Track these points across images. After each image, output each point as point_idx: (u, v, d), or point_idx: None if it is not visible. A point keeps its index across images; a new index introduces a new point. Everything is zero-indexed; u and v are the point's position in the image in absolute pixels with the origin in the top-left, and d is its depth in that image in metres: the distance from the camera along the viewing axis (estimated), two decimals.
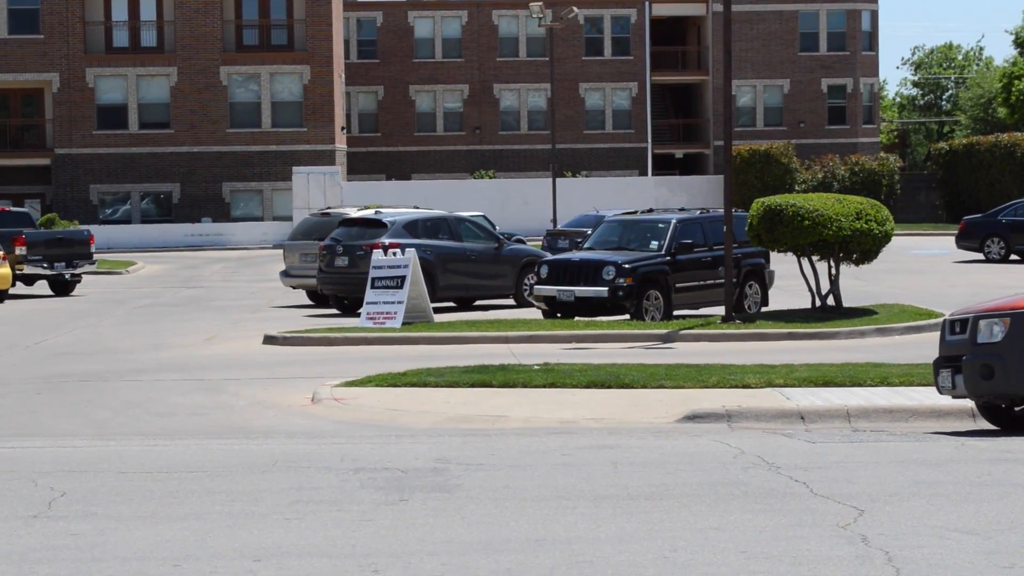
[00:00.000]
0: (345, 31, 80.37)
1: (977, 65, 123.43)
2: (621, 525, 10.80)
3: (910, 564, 9.60)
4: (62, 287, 41.47)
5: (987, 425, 17.00)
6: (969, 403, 17.24)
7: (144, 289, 43.13)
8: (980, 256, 50.70)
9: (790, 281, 33.41)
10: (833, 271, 29.94)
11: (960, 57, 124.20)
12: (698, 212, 33.51)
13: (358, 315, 30.29)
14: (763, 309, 31.98)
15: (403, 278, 29.19)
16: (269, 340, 27.40)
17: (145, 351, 26.52)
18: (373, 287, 29.34)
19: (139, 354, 25.98)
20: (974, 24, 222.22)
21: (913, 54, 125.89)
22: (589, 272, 30.05)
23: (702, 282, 31.41)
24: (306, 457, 13.98)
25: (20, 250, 40.49)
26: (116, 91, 71.09)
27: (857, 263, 30.08)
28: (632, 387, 19.27)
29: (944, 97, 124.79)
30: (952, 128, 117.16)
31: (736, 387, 19.04)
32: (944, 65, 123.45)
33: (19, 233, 40.98)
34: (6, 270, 38.07)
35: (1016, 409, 16.92)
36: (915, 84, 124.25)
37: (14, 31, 70.16)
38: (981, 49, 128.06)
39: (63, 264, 40.86)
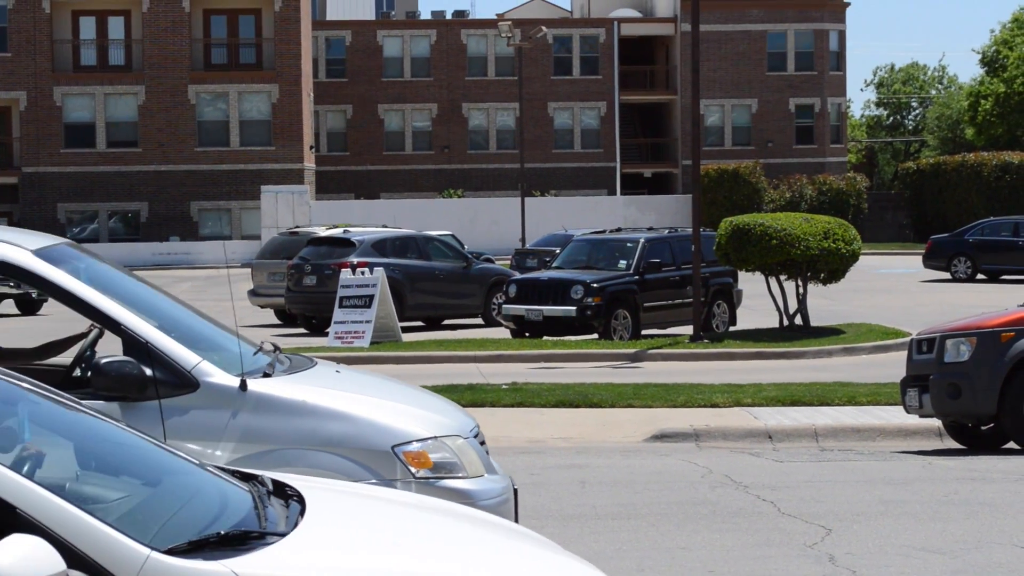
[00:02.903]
0: (314, 50, 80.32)
1: (941, 84, 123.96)
2: (589, 544, 10.80)
3: None
4: (28, 306, 41.31)
5: (954, 444, 17.06)
6: (936, 422, 17.30)
7: None
8: (947, 275, 50.87)
9: (758, 300, 33.47)
10: (801, 290, 30.00)
11: (924, 77, 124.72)
12: (666, 231, 33.57)
13: (326, 334, 30.23)
14: (731, 328, 32.04)
15: (371, 297, 29.16)
16: None
17: None
18: (341, 306, 29.30)
19: None
20: (937, 43, 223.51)
21: (874, 75, 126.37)
22: (557, 291, 30.06)
23: (670, 301, 31.45)
24: None
25: None
26: (84, 109, 70.90)
27: (825, 282, 30.15)
28: (600, 406, 19.27)
29: (909, 117, 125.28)
30: (919, 148, 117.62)
31: (704, 406, 19.07)
32: (908, 83, 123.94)
33: None
34: None
35: (983, 428, 16.98)
36: (879, 104, 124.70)
37: None
38: (944, 68, 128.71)
39: None
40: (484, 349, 27.83)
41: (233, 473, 6.00)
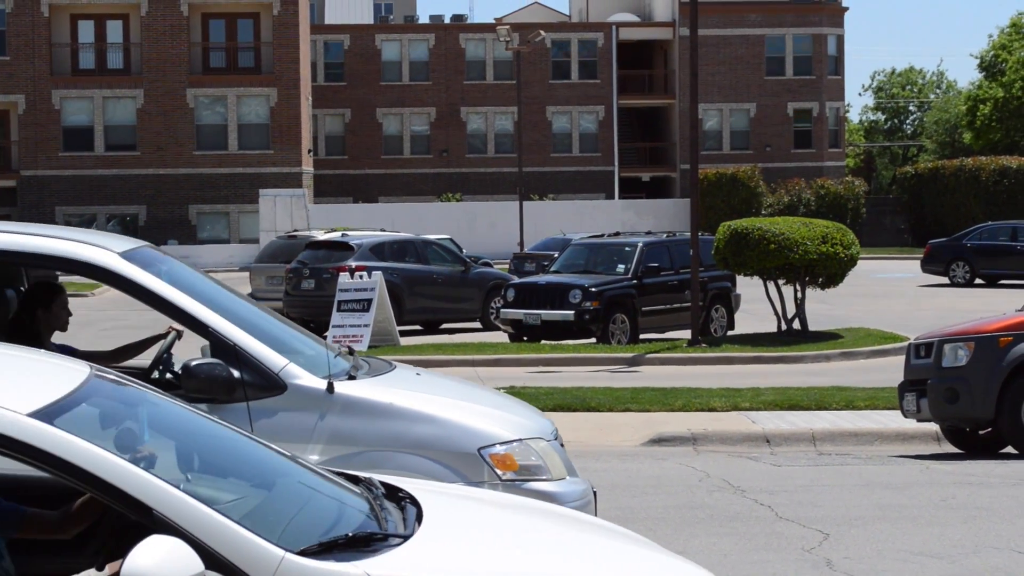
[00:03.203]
0: (312, 54, 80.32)
1: (939, 89, 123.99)
2: None
3: None
4: None
5: (952, 449, 17.06)
6: (934, 427, 17.30)
7: (110, 312, 42.90)
8: (945, 280, 50.88)
9: (756, 305, 33.47)
10: (799, 295, 30.00)
11: (922, 81, 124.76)
12: (664, 235, 33.57)
13: (324, 338, 30.21)
14: (729, 333, 32.03)
15: (369, 301, 29.15)
16: None
17: None
18: (339, 310, 29.29)
19: None
20: (935, 48, 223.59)
21: (872, 80, 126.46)
22: (556, 295, 30.06)
23: (668, 305, 31.45)
24: None
25: None
26: (82, 113, 70.87)
27: (823, 287, 30.16)
28: (598, 410, 19.27)
29: (907, 121, 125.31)
30: (917, 152, 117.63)
31: (702, 410, 19.07)
32: (906, 88, 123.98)
33: None
34: None
35: (980, 433, 16.99)
36: (877, 108, 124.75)
37: None
38: (942, 73, 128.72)
39: None
40: (482, 353, 27.83)
41: (342, 475, 6.03)
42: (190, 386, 7.95)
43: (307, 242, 36.42)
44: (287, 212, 66.08)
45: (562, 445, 8.90)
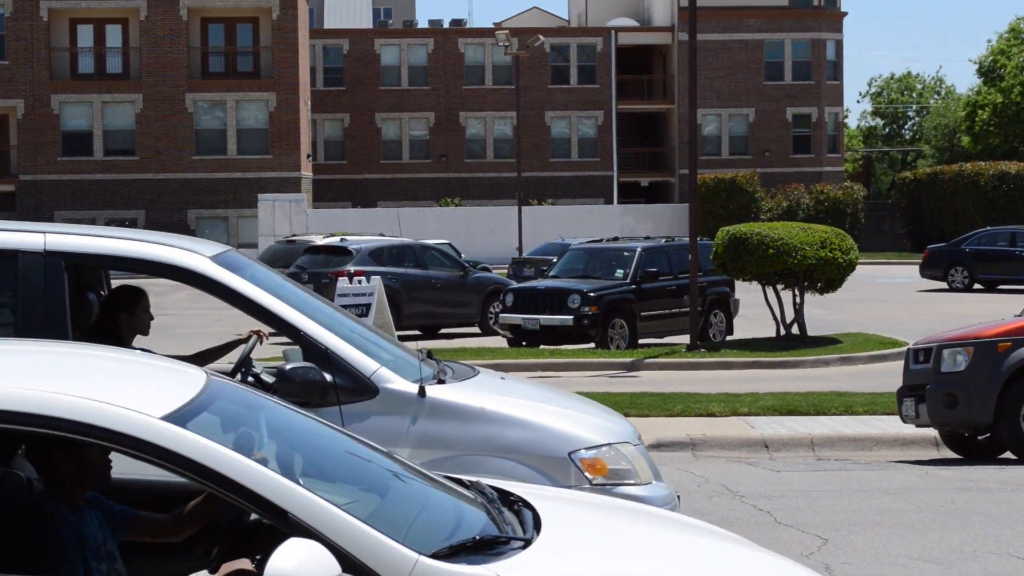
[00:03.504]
0: (311, 58, 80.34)
1: (938, 94, 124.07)
2: None
3: None
4: None
5: (951, 454, 17.05)
6: (933, 432, 17.29)
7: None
8: (944, 285, 50.88)
9: (755, 310, 33.47)
10: (798, 300, 30.00)
11: (920, 86, 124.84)
12: (663, 240, 33.58)
13: None
14: (728, 338, 32.03)
15: (368, 306, 29.11)
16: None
17: None
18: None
19: None
20: (934, 53, 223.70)
21: (870, 86, 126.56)
22: (554, 300, 30.06)
23: (667, 310, 31.44)
24: None
25: None
26: (81, 117, 70.88)
27: (822, 292, 30.15)
28: None
29: (906, 127, 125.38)
30: (916, 158, 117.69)
31: (701, 415, 19.06)
32: (904, 94, 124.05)
33: None
34: None
35: (979, 438, 16.98)
36: (875, 114, 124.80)
37: None
38: (941, 79, 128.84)
39: None
40: (481, 358, 27.81)
41: (450, 479, 6.04)
42: (285, 390, 7.94)
43: (306, 247, 36.41)
44: (286, 217, 66.08)
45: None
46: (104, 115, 70.94)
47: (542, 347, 29.79)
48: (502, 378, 9.33)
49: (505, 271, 47.69)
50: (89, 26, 71.36)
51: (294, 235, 49.31)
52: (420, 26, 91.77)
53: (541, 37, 63.48)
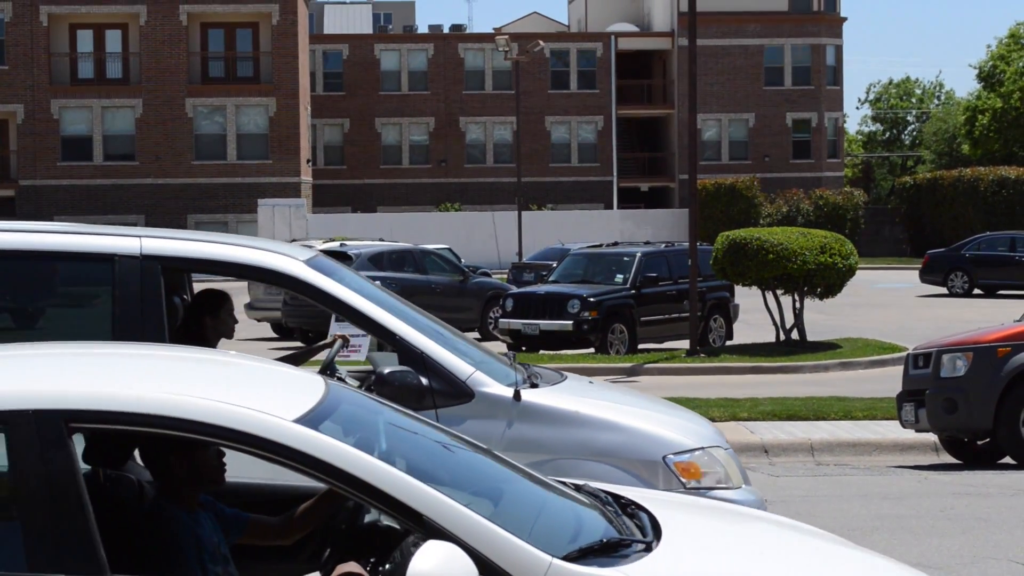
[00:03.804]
0: (311, 63, 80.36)
1: (937, 100, 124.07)
2: None
3: None
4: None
5: (950, 459, 17.04)
6: (932, 437, 17.29)
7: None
8: (944, 290, 50.86)
9: (755, 315, 33.46)
10: (797, 305, 29.99)
11: (919, 91, 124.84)
12: (663, 245, 33.56)
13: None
14: (728, 343, 32.02)
15: None
16: None
17: None
18: (337, 320, 29.23)
19: None
20: (934, 58, 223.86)
21: (868, 92, 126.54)
22: (554, 305, 30.04)
23: (667, 315, 31.43)
24: None
25: None
26: (81, 123, 70.89)
27: (821, 297, 30.14)
28: None
29: (905, 132, 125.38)
30: (915, 163, 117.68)
31: None
32: (903, 99, 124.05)
33: None
34: None
35: (979, 443, 16.98)
36: (875, 119, 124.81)
37: None
38: (940, 84, 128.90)
39: None
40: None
41: (561, 483, 6.04)
42: (383, 393, 7.93)
43: None
44: (286, 222, 66.08)
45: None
46: (104, 120, 70.95)
47: (542, 352, 29.78)
48: (590, 382, 9.39)
49: (505, 276, 47.69)
50: (89, 31, 71.38)
51: (294, 240, 49.30)
52: (420, 31, 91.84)
53: (541, 42, 63.49)
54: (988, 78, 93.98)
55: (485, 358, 8.77)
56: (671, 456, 8.25)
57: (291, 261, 8.47)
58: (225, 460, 5.52)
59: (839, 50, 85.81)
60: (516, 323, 30.22)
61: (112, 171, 70.72)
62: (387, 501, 4.93)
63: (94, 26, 71.33)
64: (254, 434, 4.97)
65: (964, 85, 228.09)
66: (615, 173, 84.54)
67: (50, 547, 4.84)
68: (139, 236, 8.45)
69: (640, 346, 30.71)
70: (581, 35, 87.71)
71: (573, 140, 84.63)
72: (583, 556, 4.99)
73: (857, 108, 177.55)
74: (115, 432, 5.33)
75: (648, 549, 5.19)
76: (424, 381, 8.17)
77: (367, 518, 5.69)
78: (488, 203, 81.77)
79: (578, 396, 8.59)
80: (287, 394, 5.42)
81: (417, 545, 5.07)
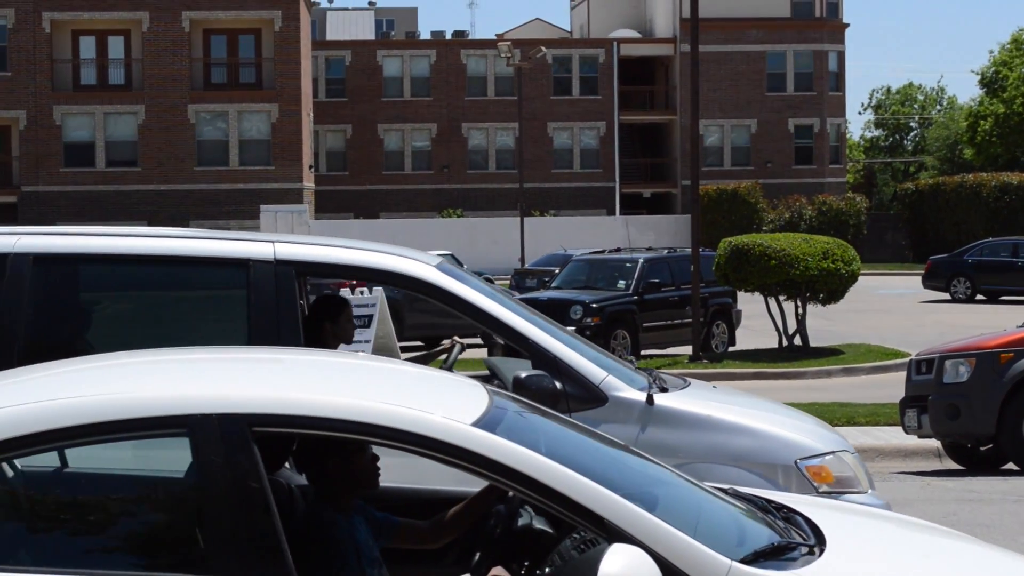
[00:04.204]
0: (314, 69, 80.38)
1: (940, 106, 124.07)
2: None
3: None
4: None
5: (953, 465, 17.03)
6: (935, 443, 17.27)
7: None
8: (946, 296, 50.84)
9: (757, 320, 33.45)
10: (800, 311, 29.99)
11: (921, 97, 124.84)
12: (665, 251, 33.59)
13: None
14: (730, 348, 32.01)
15: (370, 317, 29.06)
16: None
17: None
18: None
19: None
20: (936, 64, 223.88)
21: (871, 97, 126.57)
22: (557, 311, 30.01)
23: (669, 321, 31.43)
24: None
25: None
26: (83, 129, 70.89)
27: (824, 303, 30.14)
28: None
29: (908, 137, 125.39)
30: (918, 169, 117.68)
31: None
32: (905, 104, 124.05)
33: None
34: None
35: (982, 449, 16.96)
36: (877, 124, 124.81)
37: None
38: (942, 90, 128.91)
39: None
40: (483, 369, 27.77)
41: (712, 487, 6.05)
42: (519, 397, 7.99)
43: None
44: (288, 228, 66.05)
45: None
46: (106, 126, 70.95)
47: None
48: (713, 387, 9.44)
49: (507, 282, 47.67)
50: (91, 37, 71.39)
51: None
52: (422, 37, 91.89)
53: (543, 48, 63.54)
54: (990, 84, 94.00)
55: (613, 363, 8.76)
56: (803, 460, 8.23)
57: (423, 266, 8.51)
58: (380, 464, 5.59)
59: (841, 56, 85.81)
60: None
61: (114, 177, 70.72)
62: (567, 504, 4.95)
63: (97, 32, 71.35)
64: (437, 438, 5.01)
65: (966, 91, 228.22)
66: (617, 179, 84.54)
67: (237, 551, 4.87)
68: (272, 241, 8.49)
69: (643, 352, 30.71)
70: (583, 41, 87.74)
71: (575, 146, 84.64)
72: (756, 560, 5.00)
73: (860, 113, 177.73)
74: (291, 436, 5.37)
75: (812, 552, 5.19)
76: (558, 385, 8.16)
77: (520, 522, 5.70)
78: (490, 209, 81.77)
79: (707, 400, 8.62)
80: (457, 399, 5.47)
81: (579, 549, 5.16)
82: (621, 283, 31.32)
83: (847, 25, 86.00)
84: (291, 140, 71.24)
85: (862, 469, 8.54)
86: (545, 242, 64.24)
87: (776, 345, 30.42)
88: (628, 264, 31.86)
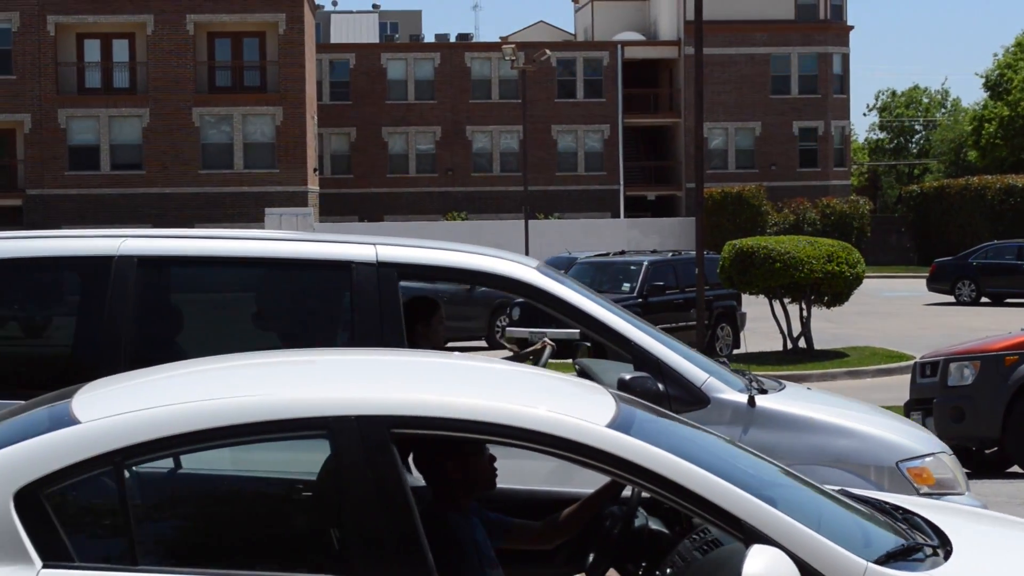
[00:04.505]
0: (318, 73, 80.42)
1: (944, 108, 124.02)
2: None
3: None
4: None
5: None
6: None
7: None
8: (951, 298, 50.82)
9: (762, 323, 33.44)
10: (805, 313, 29.98)
11: (926, 100, 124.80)
12: (670, 254, 33.59)
13: None
14: (735, 351, 32.01)
15: None
16: None
17: None
18: None
19: None
20: (940, 66, 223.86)
21: (877, 99, 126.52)
22: None
23: (674, 324, 31.41)
24: None
25: None
26: (88, 132, 70.93)
27: (828, 305, 30.13)
28: None
29: (912, 140, 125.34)
30: (922, 171, 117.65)
31: None
32: (910, 107, 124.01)
33: None
34: None
35: (986, 452, 16.95)
36: (882, 127, 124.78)
37: None
38: (947, 92, 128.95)
39: None
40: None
41: (828, 488, 6.05)
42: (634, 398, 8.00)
43: None
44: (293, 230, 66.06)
45: None
46: (111, 129, 70.99)
47: (549, 361, 29.75)
48: (807, 388, 9.42)
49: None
50: (96, 41, 71.44)
51: None
52: (427, 40, 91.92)
53: (548, 51, 63.53)
54: (995, 87, 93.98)
55: (711, 364, 8.78)
56: (903, 462, 8.22)
57: (525, 268, 8.54)
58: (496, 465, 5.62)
59: (846, 59, 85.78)
60: (523, 332, 30.22)
61: (119, 180, 70.76)
62: (704, 505, 4.98)
63: (101, 36, 71.40)
64: (573, 440, 5.04)
65: (970, 94, 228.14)
66: (622, 182, 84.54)
67: (380, 552, 4.89)
68: (373, 244, 8.51)
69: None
70: (587, 44, 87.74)
71: (580, 149, 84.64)
72: (888, 561, 5.01)
73: (865, 115, 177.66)
74: (428, 438, 5.41)
75: (936, 554, 5.18)
76: (661, 387, 8.18)
77: (636, 523, 5.73)
78: (495, 212, 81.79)
79: (806, 402, 8.59)
80: (585, 401, 5.49)
81: (701, 550, 5.23)
82: (625, 286, 31.33)
83: (851, 28, 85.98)
84: (295, 143, 71.26)
85: (959, 470, 8.53)
86: (549, 245, 64.22)
87: (780, 348, 30.41)
88: (632, 267, 31.87)
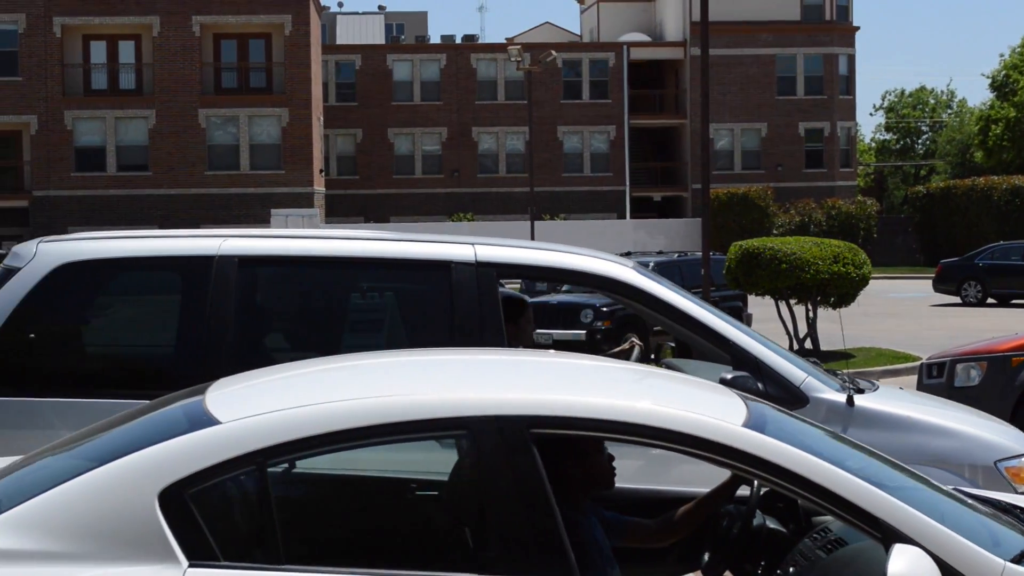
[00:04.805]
0: (324, 74, 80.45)
1: (950, 108, 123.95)
2: None
3: None
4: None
5: None
6: None
7: None
8: (957, 299, 50.75)
9: (768, 324, 33.42)
10: (811, 314, 29.95)
11: (933, 101, 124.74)
12: (676, 255, 33.58)
13: None
14: None
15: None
16: None
17: None
18: None
19: None
20: (946, 67, 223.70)
21: (883, 100, 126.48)
22: (567, 315, 30.05)
23: None
24: None
25: None
26: (94, 133, 70.99)
27: (835, 306, 30.09)
28: None
29: (919, 141, 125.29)
30: (928, 172, 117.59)
31: None
32: (917, 108, 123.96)
33: None
34: None
35: None
36: (888, 128, 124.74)
37: None
38: (953, 93, 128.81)
39: None
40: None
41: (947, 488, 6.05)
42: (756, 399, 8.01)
43: None
44: None
45: None
46: (117, 131, 71.05)
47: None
48: (900, 388, 9.35)
49: (518, 285, 47.66)
50: (102, 42, 71.50)
51: None
52: (432, 41, 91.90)
53: (553, 52, 63.52)
54: (1001, 87, 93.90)
55: (808, 364, 8.75)
56: (1002, 461, 8.19)
57: (623, 268, 8.53)
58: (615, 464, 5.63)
59: (852, 59, 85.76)
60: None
61: (125, 181, 70.82)
62: (842, 504, 4.97)
63: (107, 37, 71.46)
64: (711, 440, 5.05)
65: (977, 94, 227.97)
66: (628, 183, 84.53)
67: (523, 552, 4.91)
68: (471, 244, 8.53)
69: (652, 356, 30.69)
70: (593, 45, 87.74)
71: (586, 150, 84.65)
72: (1022, 560, 5.00)
73: (871, 115, 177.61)
74: (549, 436, 5.39)
75: None
76: (760, 386, 8.16)
77: (755, 522, 5.74)
78: (501, 213, 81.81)
79: (902, 401, 8.59)
80: (716, 401, 5.51)
81: (825, 549, 5.25)
82: None
83: (857, 28, 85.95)
84: (301, 144, 71.30)
85: None
86: None
87: (787, 349, 30.39)
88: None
